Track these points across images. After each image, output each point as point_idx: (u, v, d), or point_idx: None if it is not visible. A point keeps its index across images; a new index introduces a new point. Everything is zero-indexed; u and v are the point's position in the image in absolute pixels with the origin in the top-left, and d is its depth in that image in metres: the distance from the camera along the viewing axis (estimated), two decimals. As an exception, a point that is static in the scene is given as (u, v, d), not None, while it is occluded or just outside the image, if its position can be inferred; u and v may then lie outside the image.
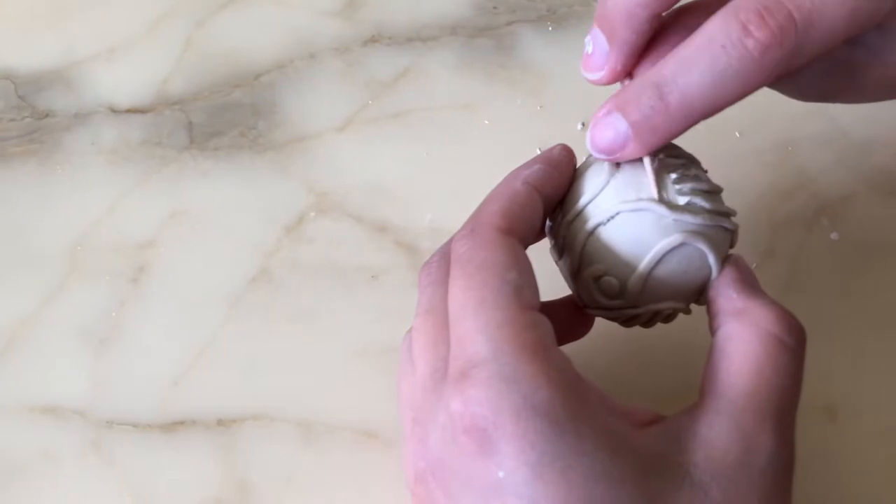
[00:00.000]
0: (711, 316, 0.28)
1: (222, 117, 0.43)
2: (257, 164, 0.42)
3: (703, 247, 0.27)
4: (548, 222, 0.30)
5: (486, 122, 0.43)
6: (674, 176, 0.28)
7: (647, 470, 0.24)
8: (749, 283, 0.28)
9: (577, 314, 0.31)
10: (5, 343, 0.38)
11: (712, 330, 0.28)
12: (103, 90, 0.44)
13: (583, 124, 0.42)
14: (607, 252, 0.27)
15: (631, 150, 0.27)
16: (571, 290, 0.30)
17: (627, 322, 0.29)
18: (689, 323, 0.30)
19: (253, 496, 0.35)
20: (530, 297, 0.26)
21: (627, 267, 0.27)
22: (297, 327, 0.38)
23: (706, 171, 0.29)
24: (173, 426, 0.36)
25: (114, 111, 0.44)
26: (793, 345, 0.26)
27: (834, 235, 0.40)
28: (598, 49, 0.28)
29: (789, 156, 0.41)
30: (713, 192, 0.28)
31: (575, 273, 0.29)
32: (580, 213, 0.28)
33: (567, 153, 0.30)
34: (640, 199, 0.27)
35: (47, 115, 0.43)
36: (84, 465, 0.36)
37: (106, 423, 0.36)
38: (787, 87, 0.30)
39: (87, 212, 0.41)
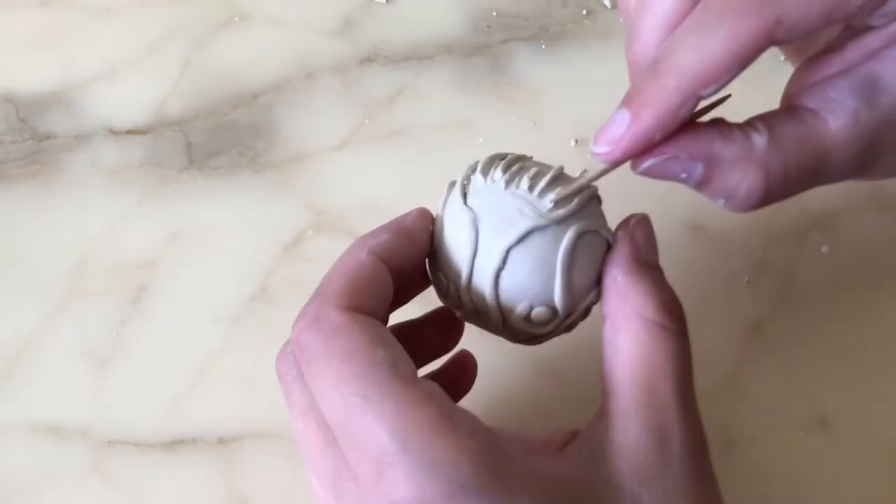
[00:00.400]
0: (602, 298, 0.28)
1: (221, 137, 0.44)
2: (256, 184, 0.43)
3: (592, 227, 0.28)
4: (444, 297, 0.29)
5: (481, 139, 0.44)
6: (525, 185, 0.28)
7: (582, 499, 0.24)
8: (634, 260, 0.28)
9: (442, 328, 0.31)
10: (7, 363, 0.38)
11: (603, 313, 0.28)
12: (103, 112, 0.45)
13: (576, 141, 0.43)
14: (522, 288, 0.27)
15: (631, 135, 0.25)
16: (503, 336, 0.29)
17: (566, 330, 0.29)
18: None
19: (253, 513, 0.35)
20: (407, 367, 0.25)
21: (547, 289, 0.27)
22: (296, 345, 0.39)
23: (532, 157, 0.29)
24: (174, 445, 0.37)
25: (113, 132, 0.44)
26: (675, 327, 0.26)
27: (825, 249, 0.40)
28: (619, 120, 0.26)
29: (781, 170, 0.42)
30: (561, 176, 0.28)
31: (503, 323, 0.28)
32: (472, 271, 0.27)
33: (422, 219, 0.29)
34: (516, 228, 0.27)
35: (48, 137, 0.44)
36: (85, 485, 0.36)
37: (107, 442, 0.37)
38: (872, 171, 0.27)
39: (88, 233, 0.41)
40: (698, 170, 0.26)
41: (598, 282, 0.28)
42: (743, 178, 0.26)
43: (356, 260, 0.27)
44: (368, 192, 0.42)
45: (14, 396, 0.38)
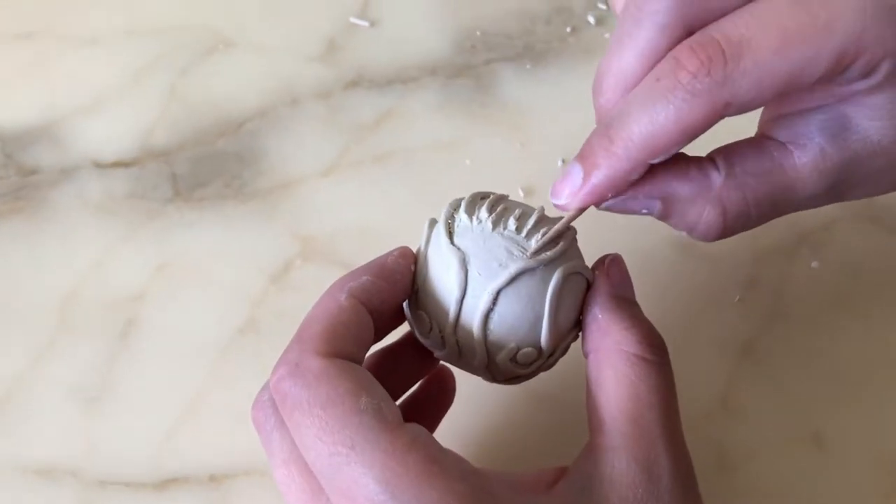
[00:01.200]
0: (583, 335, 0.28)
1: (207, 167, 0.44)
2: (242, 213, 0.42)
3: (576, 268, 0.28)
4: (425, 337, 0.29)
5: (468, 161, 0.43)
6: (511, 226, 0.28)
7: None
8: (612, 297, 0.28)
9: (418, 351, 0.30)
10: (-3, 403, 0.38)
11: (584, 351, 0.28)
12: (88, 144, 0.44)
13: (563, 161, 0.43)
14: (510, 330, 0.27)
15: (584, 192, 0.26)
16: (481, 376, 0.29)
17: (546, 369, 0.29)
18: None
19: (247, 549, 0.35)
20: (391, 412, 0.24)
21: (534, 331, 0.27)
22: (287, 376, 0.38)
23: (508, 196, 0.29)
24: (165, 484, 0.36)
25: (98, 166, 0.44)
26: (657, 359, 0.27)
27: (815, 264, 0.40)
28: (574, 174, 0.27)
29: (769, 183, 0.42)
30: (544, 218, 0.28)
31: (487, 364, 0.28)
32: (460, 312, 0.27)
33: (403, 260, 0.28)
34: (506, 269, 0.27)
35: (33, 172, 0.44)
36: (78, 525, 0.36)
37: (99, 483, 0.36)
38: (844, 198, 0.28)
39: (75, 267, 0.41)
40: (657, 206, 0.27)
41: (577, 325, 0.29)
42: (700, 214, 0.26)
43: (336, 303, 0.27)
44: (356, 218, 0.42)
45: (3, 437, 0.38)
